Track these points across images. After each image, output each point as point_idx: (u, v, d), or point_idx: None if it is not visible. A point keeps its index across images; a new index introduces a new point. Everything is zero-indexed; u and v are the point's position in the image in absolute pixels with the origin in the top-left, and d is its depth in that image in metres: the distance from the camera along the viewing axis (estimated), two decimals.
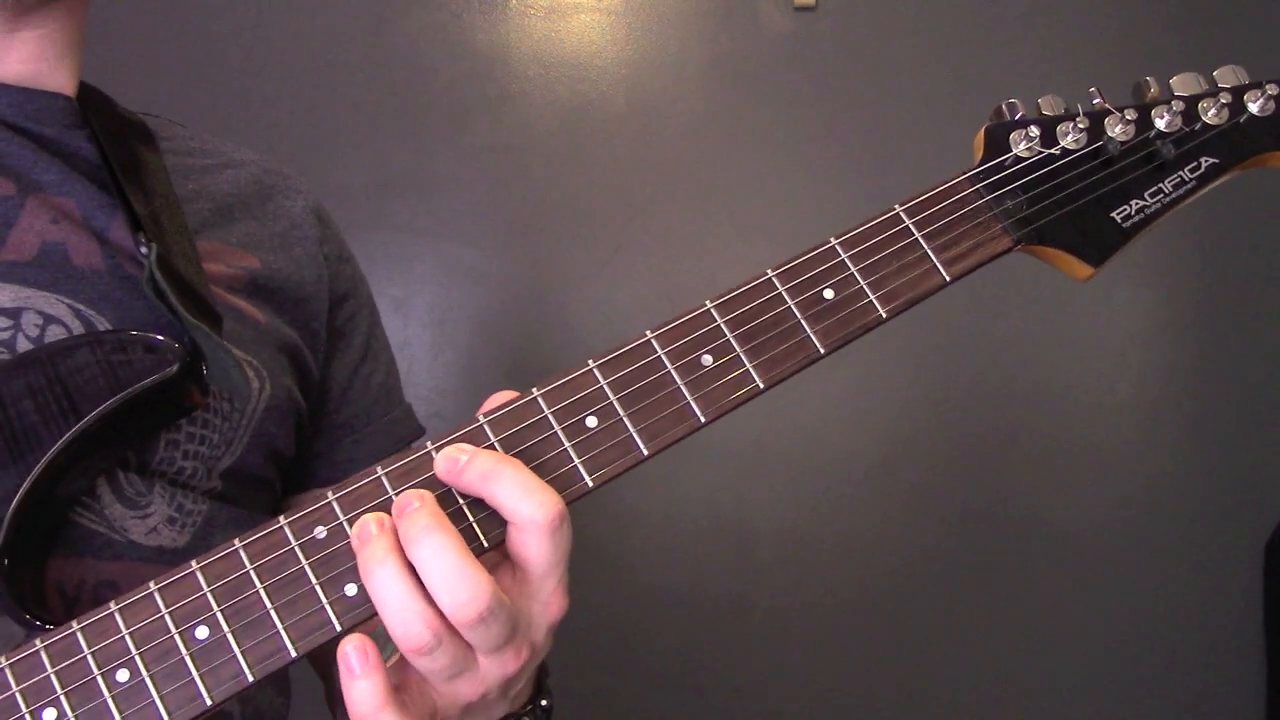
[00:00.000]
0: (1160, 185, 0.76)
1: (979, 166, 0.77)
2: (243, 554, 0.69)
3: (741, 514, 2.29)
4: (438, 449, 0.70)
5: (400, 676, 0.69)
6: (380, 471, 0.70)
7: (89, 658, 0.67)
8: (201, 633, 0.68)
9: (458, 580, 0.64)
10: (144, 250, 0.81)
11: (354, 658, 0.65)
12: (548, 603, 0.69)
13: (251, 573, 0.69)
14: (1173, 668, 2.32)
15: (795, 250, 0.74)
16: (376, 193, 2.24)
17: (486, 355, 2.26)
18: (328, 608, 0.68)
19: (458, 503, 0.69)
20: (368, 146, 2.25)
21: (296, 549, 0.69)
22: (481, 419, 0.71)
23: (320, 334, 1.00)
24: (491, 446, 0.70)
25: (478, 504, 0.69)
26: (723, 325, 0.73)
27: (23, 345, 0.78)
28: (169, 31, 2.21)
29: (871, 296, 0.74)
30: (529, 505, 0.66)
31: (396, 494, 0.70)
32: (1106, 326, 2.35)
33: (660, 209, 2.29)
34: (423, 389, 2.21)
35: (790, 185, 2.30)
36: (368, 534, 0.66)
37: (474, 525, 0.69)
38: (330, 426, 1.02)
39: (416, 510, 0.66)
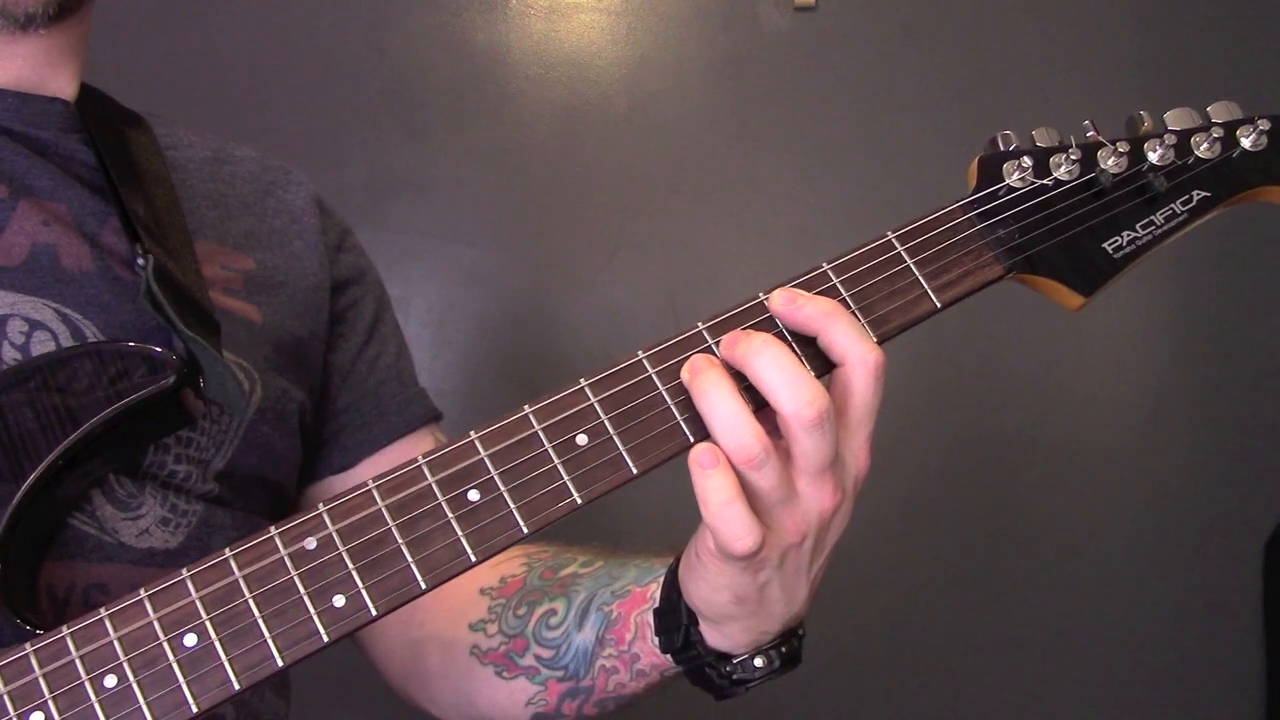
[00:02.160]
0: (1152, 217, 0.76)
1: (972, 195, 0.78)
2: (232, 562, 0.69)
3: None
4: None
5: None
6: (371, 484, 0.71)
7: (77, 662, 0.68)
8: (190, 640, 0.68)
9: (801, 383, 0.68)
10: (140, 262, 0.81)
11: (706, 457, 0.68)
12: (858, 453, 0.73)
13: (240, 581, 0.69)
14: (1172, 667, 2.32)
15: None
16: (376, 193, 2.24)
17: (486, 355, 2.26)
18: (315, 618, 0.69)
19: (786, 340, 0.73)
20: (368, 146, 2.24)
21: (286, 559, 0.70)
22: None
23: (327, 323, 1.00)
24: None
25: (803, 343, 0.73)
26: (714, 346, 0.74)
27: (8, 352, 0.79)
28: (169, 31, 2.20)
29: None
30: (863, 347, 0.71)
31: (386, 505, 0.70)
32: (1106, 326, 2.34)
33: (660, 209, 2.29)
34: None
35: (790, 185, 2.30)
36: (699, 366, 0.71)
37: (804, 361, 0.72)
38: (334, 412, 1.02)
39: (750, 334, 0.72)
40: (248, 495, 0.91)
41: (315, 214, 1.03)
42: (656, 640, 0.80)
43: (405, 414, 1.05)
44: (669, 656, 0.80)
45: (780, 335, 0.73)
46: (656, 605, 0.81)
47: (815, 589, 0.77)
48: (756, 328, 0.73)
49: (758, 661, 0.77)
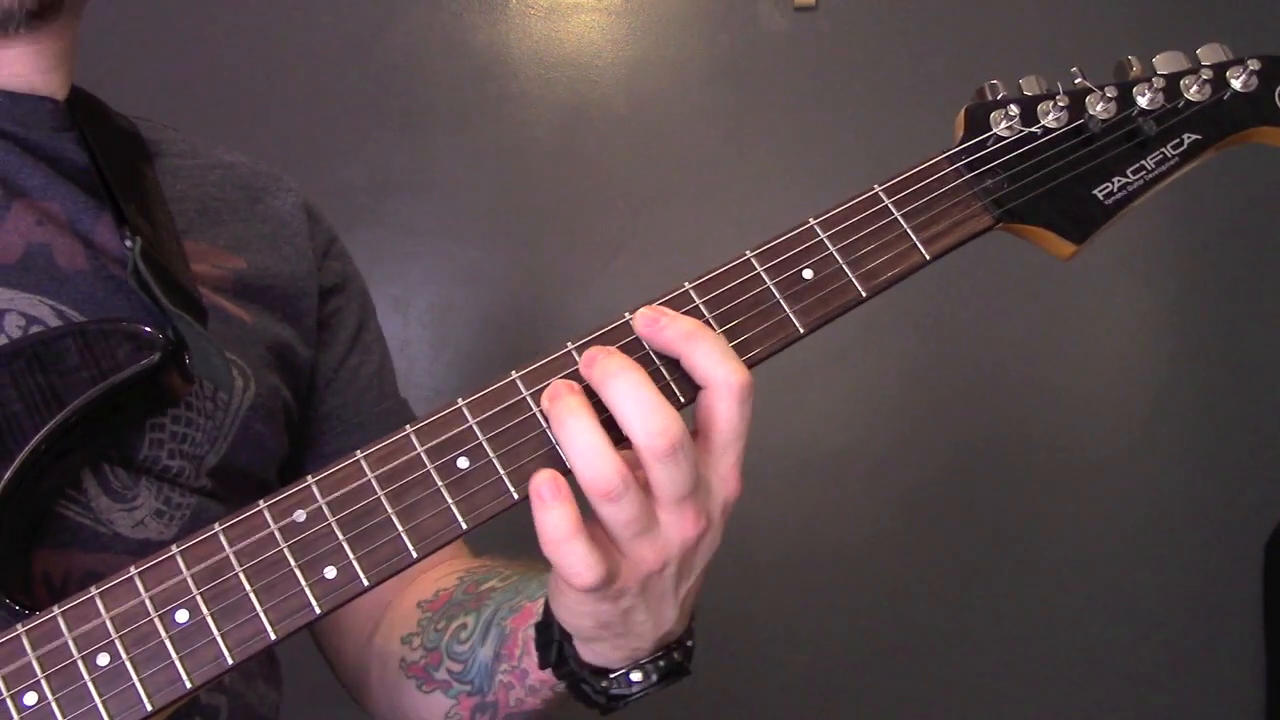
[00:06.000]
0: (1143, 162, 0.75)
1: (958, 145, 0.77)
2: (222, 537, 0.69)
3: (739, 519, 2.27)
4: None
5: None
6: (359, 455, 0.70)
7: (69, 642, 0.67)
8: (181, 616, 0.68)
9: (652, 412, 0.66)
10: (128, 244, 0.82)
11: (546, 488, 0.66)
12: (726, 477, 0.70)
13: (231, 556, 0.68)
14: (1172, 667, 2.31)
15: None
16: (376, 193, 2.25)
17: (486, 355, 2.26)
18: (307, 590, 0.68)
19: (654, 363, 0.71)
20: (368, 146, 2.25)
21: (276, 532, 0.69)
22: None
23: (313, 328, 1.00)
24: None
25: (672, 365, 0.70)
26: (701, 305, 0.73)
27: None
28: (168, 31, 2.22)
29: (850, 276, 0.74)
30: (725, 369, 0.68)
31: (375, 475, 0.70)
32: (1106, 326, 2.35)
33: (660, 209, 2.29)
34: (423, 389, 2.21)
35: (790, 185, 2.30)
36: (559, 392, 0.68)
37: (670, 384, 0.71)
38: (316, 418, 1.02)
39: (610, 355, 0.68)
40: (240, 491, 0.91)
41: (304, 219, 1.03)
42: (537, 656, 0.79)
43: (384, 424, 1.04)
44: (549, 671, 0.79)
45: (647, 356, 0.71)
46: (538, 619, 0.79)
47: (689, 608, 0.75)
48: (626, 348, 0.70)
49: (634, 676, 0.75)
